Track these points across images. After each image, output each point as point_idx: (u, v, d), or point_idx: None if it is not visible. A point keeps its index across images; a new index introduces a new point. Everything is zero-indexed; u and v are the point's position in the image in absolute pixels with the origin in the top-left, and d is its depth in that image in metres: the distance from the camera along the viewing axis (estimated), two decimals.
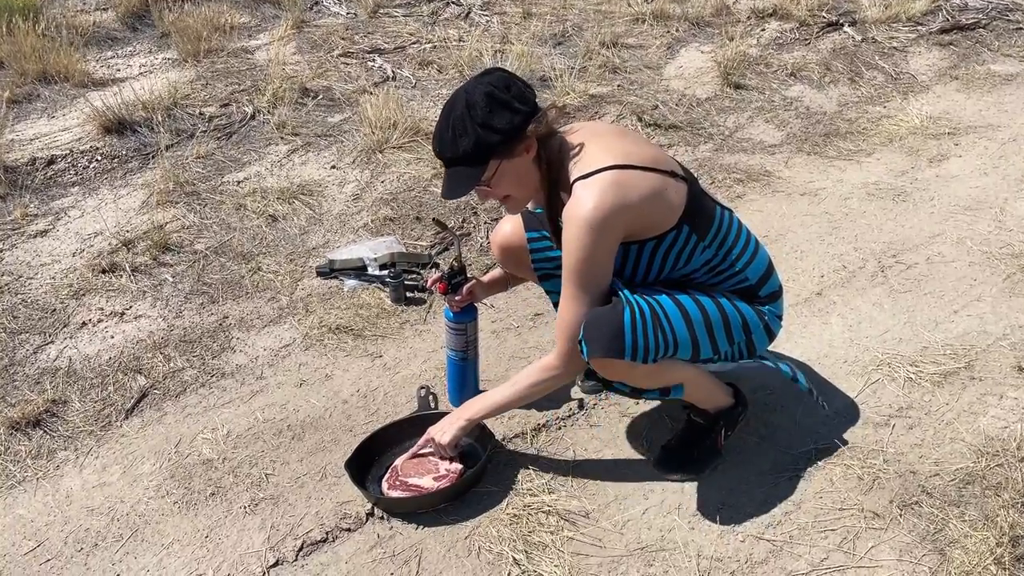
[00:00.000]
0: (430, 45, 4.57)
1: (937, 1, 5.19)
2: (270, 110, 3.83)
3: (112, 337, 2.61)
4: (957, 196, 3.34)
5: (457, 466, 2.01)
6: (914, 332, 2.56)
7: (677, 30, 4.85)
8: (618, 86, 4.19)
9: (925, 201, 3.31)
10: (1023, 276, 2.81)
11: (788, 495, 2.01)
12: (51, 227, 3.11)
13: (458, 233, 2.99)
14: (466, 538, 1.92)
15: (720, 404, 2.07)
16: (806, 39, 4.82)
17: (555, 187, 1.84)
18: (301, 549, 1.91)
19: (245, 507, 2.02)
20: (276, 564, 1.88)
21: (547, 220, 1.93)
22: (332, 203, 3.29)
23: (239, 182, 3.39)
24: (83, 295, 2.77)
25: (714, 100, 4.16)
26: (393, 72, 4.26)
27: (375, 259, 2.88)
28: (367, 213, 3.22)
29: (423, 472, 2.01)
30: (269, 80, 3.99)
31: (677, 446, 2.11)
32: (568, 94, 3.99)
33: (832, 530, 1.92)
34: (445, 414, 2.06)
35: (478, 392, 2.19)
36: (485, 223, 3.16)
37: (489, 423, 2.12)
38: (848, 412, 2.26)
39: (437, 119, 1.81)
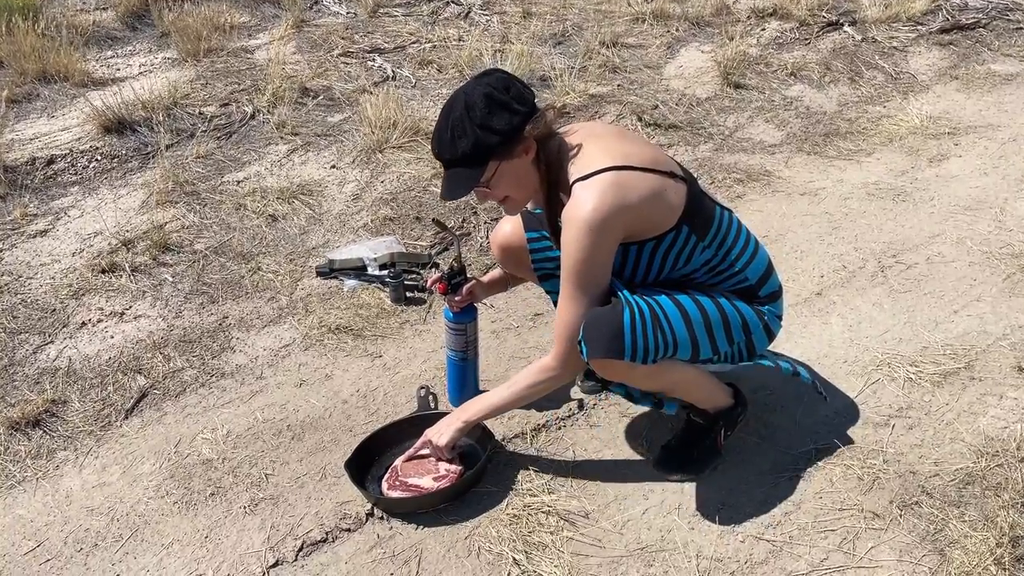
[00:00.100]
0: (430, 45, 4.57)
1: (937, 1, 5.18)
2: (270, 110, 3.82)
3: (112, 337, 2.61)
4: (957, 196, 3.33)
5: (457, 466, 2.01)
6: (914, 332, 2.56)
7: (677, 30, 4.85)
8: (618, 86, 4.19)
9: (925, 201, 3.31)
10: (1023, 276, 2.81)
11: (788, 495, 2.01)
12: (51, 227, 3.11)
13: (458, 233, 2.99)
14: (466, 538, 1.92)
15: (720, 404, 2.07)
16: (806, 39, 4.82)
17: (554, 188, 1.84)
18: (301, 549, 1.91)
19: (245, 507, 2.02)
20: (276, 564, 1.88)
21: (546, 221, 1.93)
22: (332, 203, 3.29)
23: (239, 182, 3.39)
24: (83, 295, 2.77)
25: (714, 100, 4.16)
26: (393, 72, 4.26)
27: (375, 259, 2.88)
28: (367, 213, 3.22)
29: (423, 472, 2.00)
30: (269, 80, 3.98)
31: (677, 446, 2.11)
32: (568, 94, 3.99)
33: (832, 530, 1.92)
34: (445, 414, 2.06)
35: (478, 392, 2.19)
36: (485, 223, 3.16)
37: (489, 423, 2.12)
38: (848, 412, 2.26)
39: (437, 119, 1.82)
